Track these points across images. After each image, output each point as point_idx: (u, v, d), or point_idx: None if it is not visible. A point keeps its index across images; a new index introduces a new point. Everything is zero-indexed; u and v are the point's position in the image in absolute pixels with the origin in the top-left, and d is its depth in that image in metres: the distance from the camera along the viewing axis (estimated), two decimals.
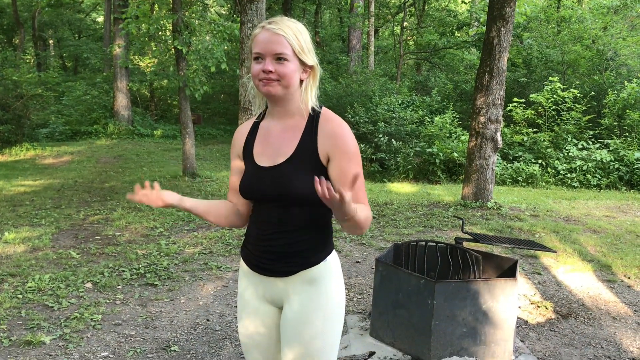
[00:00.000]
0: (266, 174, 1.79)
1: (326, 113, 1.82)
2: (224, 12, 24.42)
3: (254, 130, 1.94)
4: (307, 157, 1.76)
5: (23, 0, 26.93)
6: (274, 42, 1.72)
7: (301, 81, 1.80)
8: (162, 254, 5.77)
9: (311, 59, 1.79)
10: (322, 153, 1.76)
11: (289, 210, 1.78)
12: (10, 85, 16.69)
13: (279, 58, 1.73)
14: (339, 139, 1.75)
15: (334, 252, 1.91)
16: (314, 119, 1.81)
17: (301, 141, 1.79)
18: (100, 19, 31.99)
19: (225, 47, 11.41)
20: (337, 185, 1.75)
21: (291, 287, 1.85)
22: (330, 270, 1.86)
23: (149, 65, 22.70)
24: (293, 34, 1.73)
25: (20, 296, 4.43)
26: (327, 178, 1.77)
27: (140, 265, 5.32)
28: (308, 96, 1.82)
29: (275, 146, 1.83)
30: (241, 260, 1.99)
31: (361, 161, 1.80)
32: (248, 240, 1.93)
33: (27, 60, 26.84)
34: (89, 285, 4.76)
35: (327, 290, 1.84)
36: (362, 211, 1.71)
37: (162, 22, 11.44)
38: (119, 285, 4.79)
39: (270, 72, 1.73)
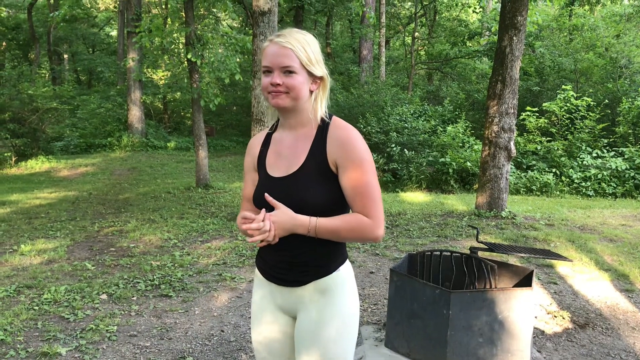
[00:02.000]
0: (278, 185, 1.81)
1: (335, 121, 1.83)
2: (236, 25, 24.62)
3: (267, 141, 1.96)
4: (317, 167, 1.78)
5: (39, 16, 27.38)
6: (281, 55, 1.75)
7: (311, 92, 1.82)
8: (176, 265, 5.79)
9: (320, 70, 1.80)
10: (331, 162, 1.77)
11: None
12: (26, 99, 16.94)
13: (287, 71, 1.75)
14: (346, 147, 1.75)
15: (347, 262, 1.92)
16: (323, 128, 1.82)
17: (311, 151, 1.80)
18: (114, 33, 32.37)
19: (238, 60, 11.49)
20: (348, 194, 1.77)
21: (306, 297, 1.86)
22: (343, 280, 1.87)
23: (163, 78, 22.92)
24: (301, 46, 1.75)
25: (36, 308, 4.47)
26: (339, 187, 1.78)
27: (154, 277, 5.34)
28: (318, 106, 1.83)
29: (287, 157, 1.85)
30: (256, 269, 2.00)
31: (374, 169, 1.79)
32: (262, 249, 1.94)
33: (43, 75, 27.21)
34: (104, 296, 4.79)
35: (341, 299, 1.85)
36: (344, 223, 1.74)
37: (174, 35, 11.57)
38: (133, 297, 4.81)
39: (279, 84, 1.75)
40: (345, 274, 1.88)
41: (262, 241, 1.73)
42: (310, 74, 1.78)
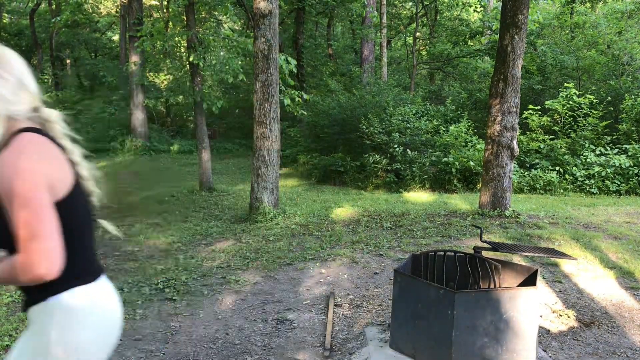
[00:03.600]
0: None
1: (6, 149, 1.62)
2: (237, 28, 24.66)
3: None
4: None
5: (41, 22, 27.48)
6: None
7: None
8: (180, 268, 5.80)
9: None
10: None
11: None
12: None
13: None
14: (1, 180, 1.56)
15: (68, 293, 1.73)
16: None
17: None
18: (116, 37, 32.47)
19: (240, 62, 11.52)
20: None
21: (28, 322, 1.78)
22: (50, 313, 1.70)
23: (165, 81, 22.97)
24: None
25: None
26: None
27: (159, 281, 5.34)
28: None
29: None
30: None
31: (27, 199, 1.56)
32: None
33: (46, 80, 27.29)
34: None
35: (37, 331, 1.72)
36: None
37: (176, 39, 11.59)
38: (138, 301, 4.82)
39: None
40: (57, 306, 1.70)
41: None
42: None
